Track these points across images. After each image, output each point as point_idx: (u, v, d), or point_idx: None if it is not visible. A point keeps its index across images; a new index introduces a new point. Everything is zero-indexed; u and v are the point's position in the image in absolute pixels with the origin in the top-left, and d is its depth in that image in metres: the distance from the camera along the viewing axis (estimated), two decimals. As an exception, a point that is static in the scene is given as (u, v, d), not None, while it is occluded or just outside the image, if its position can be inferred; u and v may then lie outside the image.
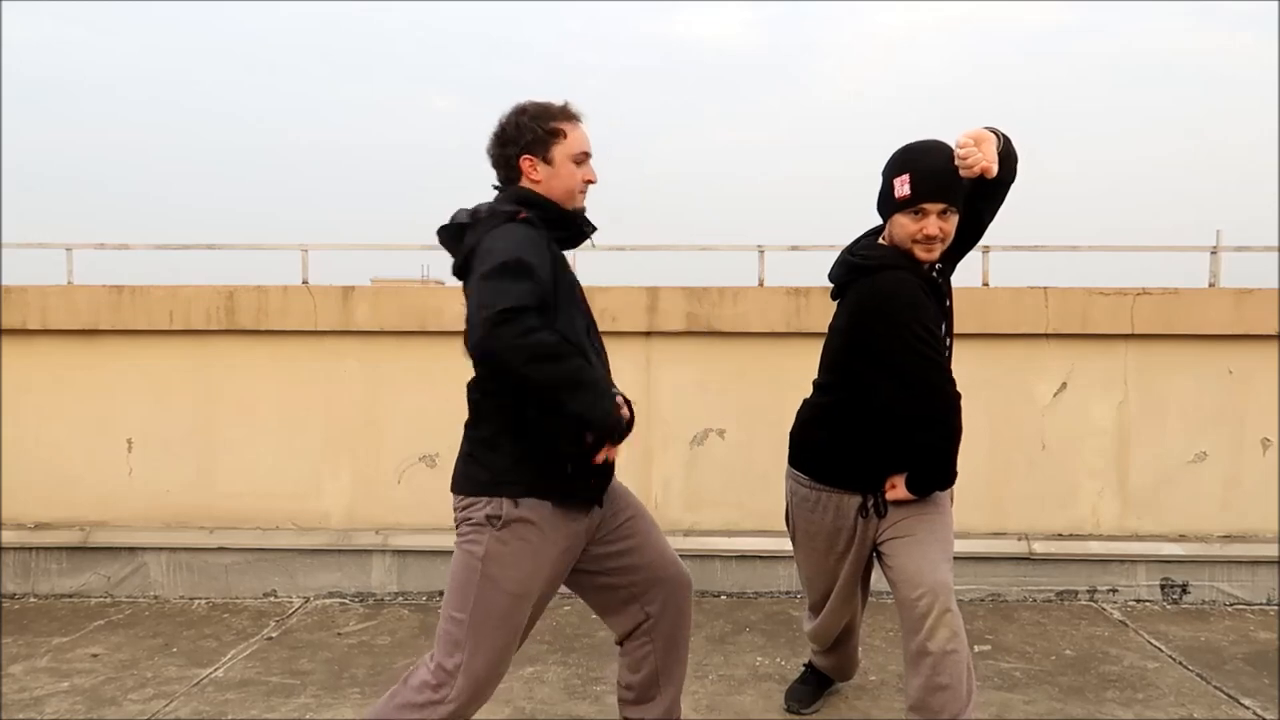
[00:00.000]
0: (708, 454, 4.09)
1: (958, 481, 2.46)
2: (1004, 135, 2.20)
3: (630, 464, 4.10)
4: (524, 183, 2.07)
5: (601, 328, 4.14)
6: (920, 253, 2.23)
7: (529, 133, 2.04)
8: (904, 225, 2.22)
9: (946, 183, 2.18)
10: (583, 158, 2.10)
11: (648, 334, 4.07)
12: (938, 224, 2.19)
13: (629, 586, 2.18)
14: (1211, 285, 4.12)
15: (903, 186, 2.20)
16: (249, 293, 4.05)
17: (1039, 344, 4.01)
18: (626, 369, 4.09)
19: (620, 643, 2.25)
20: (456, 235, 2.05)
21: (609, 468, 2.09)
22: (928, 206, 2.18)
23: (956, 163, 2.11)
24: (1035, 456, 4.04)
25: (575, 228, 2.13)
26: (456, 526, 2.04)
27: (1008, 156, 2.21)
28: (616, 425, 1.95)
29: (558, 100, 2.09)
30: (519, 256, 1.87)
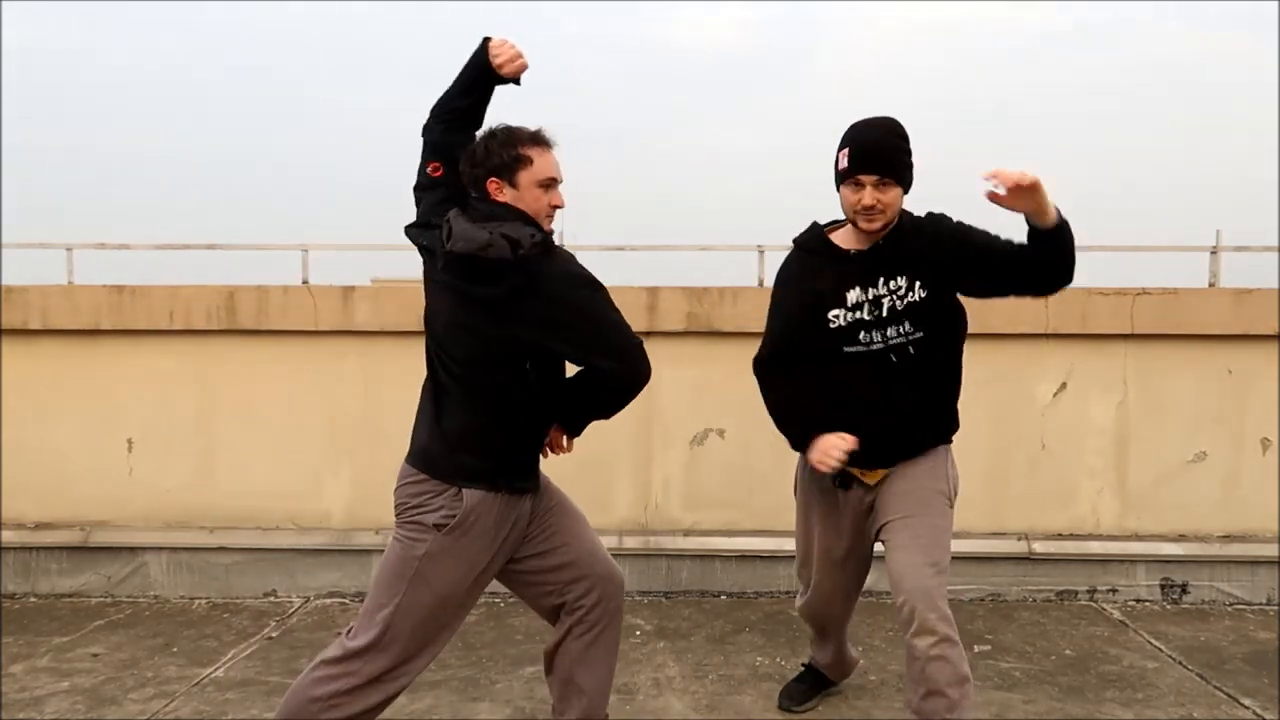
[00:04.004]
0: (708, 454, 4.09)
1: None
2: (1061, 216, 2.16)
3: (630, 464, 4.11)
4: None
5: (602, 327, 4.13)
6: (862, 223, 2.34)
7: (495, 157, 2.10)
8: (846, 196, 2.35)
9: (884, 155, 2.29)
10: (549, 183, 2.14)
11: (648, 334, 4.06)
12: (874, 194, 2.29)
13: (557, 582, 2.32)
14: (1211, 285, 4.12)
15: (843, 159, 2.32)
16: (249, 293, 4.05)
17: (1039, 344, 4.01)
18: (626, 369, 4.09)
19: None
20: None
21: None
22: (863, 177, 2.28)
23: (985, 175, 2.12)
24: (1035, 456, 4.05)
25: None
26: (399, 516, 2.20)
27: (1054, 233, 2.16)
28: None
29: (531, 125, 2.15)
30: None
